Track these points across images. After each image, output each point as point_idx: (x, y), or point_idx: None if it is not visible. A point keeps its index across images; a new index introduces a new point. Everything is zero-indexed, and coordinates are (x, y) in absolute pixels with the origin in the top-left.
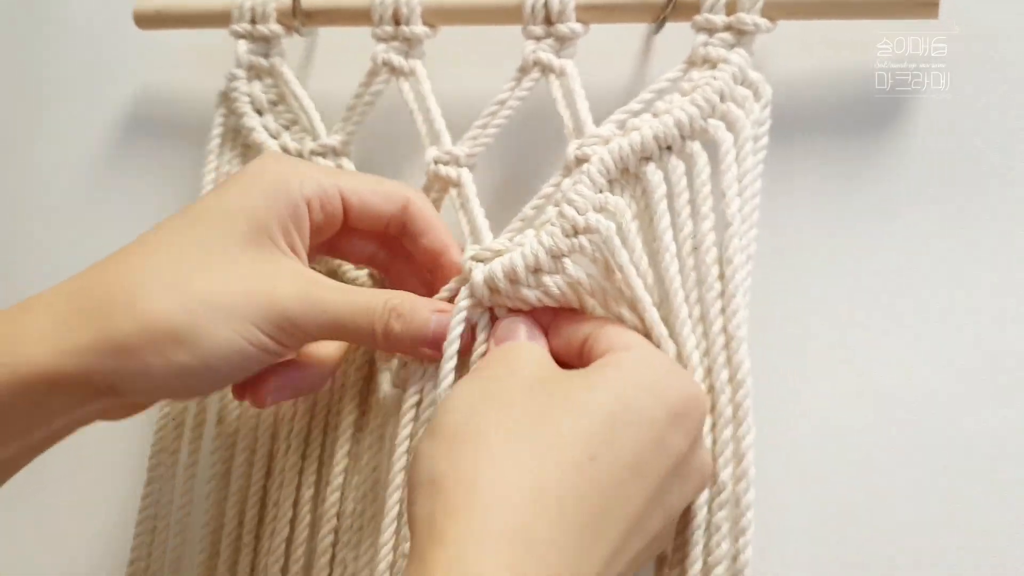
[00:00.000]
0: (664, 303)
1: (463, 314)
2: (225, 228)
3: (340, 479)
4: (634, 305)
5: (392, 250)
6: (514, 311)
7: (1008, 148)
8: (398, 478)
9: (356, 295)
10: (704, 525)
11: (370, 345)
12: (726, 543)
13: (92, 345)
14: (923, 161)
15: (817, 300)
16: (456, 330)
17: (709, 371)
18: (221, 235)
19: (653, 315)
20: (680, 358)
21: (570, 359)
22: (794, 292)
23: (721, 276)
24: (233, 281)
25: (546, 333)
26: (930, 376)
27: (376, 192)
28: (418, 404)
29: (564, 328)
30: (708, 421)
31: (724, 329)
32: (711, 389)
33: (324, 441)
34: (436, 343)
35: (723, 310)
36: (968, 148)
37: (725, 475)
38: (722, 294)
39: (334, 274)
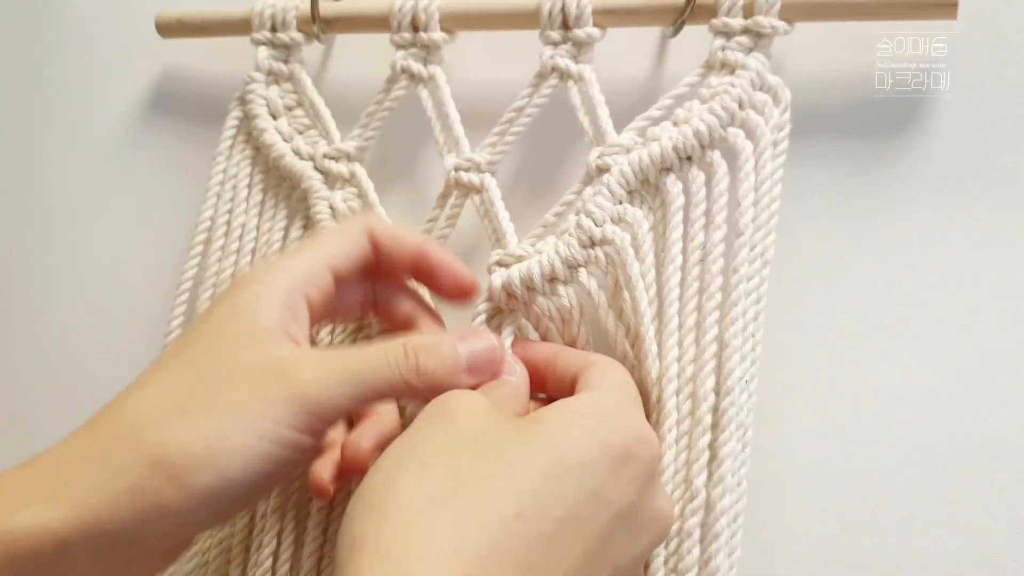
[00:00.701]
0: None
1: (482, 317)
2: (224, 345)
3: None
4: (634, 319)
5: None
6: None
7: (1009, 148)
8: None
9: (370, 351)
10: (675, 531)
11: (405, 395)
12: (696, 549)
13: (102, 493)
14: (923, 161)
15: (816, 301)
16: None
17: (693, 379)
18: (222, 353)
19: (648, 331)
20: (660, 367)
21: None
22: (793, 293)
23: (724, 285)
24: (242, 388)
25: (544, 369)
26: (933, 376)
27: (348, 249)
28: None
29: (560, 363)
30: (676, 431)
31: (719, 337)
32: (692, 396)
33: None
34: (475, 368)
35: (720, 319)
36: (968, 148)
37: (699, 481)
38: (722, 303)
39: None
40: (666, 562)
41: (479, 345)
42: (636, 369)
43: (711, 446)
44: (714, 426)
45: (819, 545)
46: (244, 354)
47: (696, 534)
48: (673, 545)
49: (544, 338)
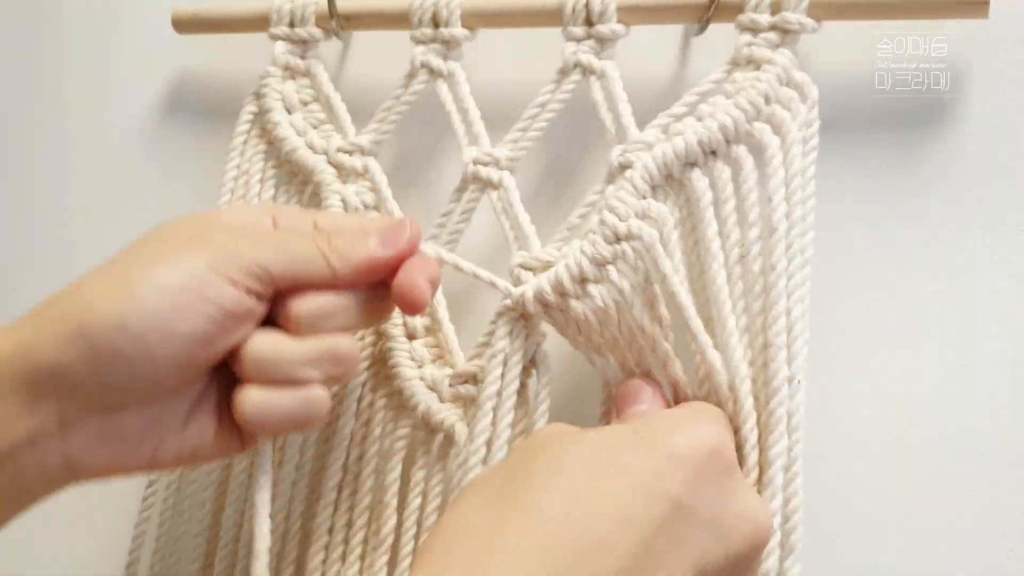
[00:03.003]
0: (709, 313)
1: (506, 328)
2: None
3: (333, 495)
4: (678, 314)
5: None
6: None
7: (1009, 148)
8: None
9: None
10: None
11: (326, 278)
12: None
13: (34, 339)
14: (923, 161)
15: (819, 301)
16: (499, 357)
17: (755, 381)
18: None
19: (697, 323)
20: (727, 368)
21: None
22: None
23: (765, 284)
24: (188, 260)
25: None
26: (953, 380)
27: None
28: (489, 442)
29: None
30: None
31: (764, 338)
32: (758, 398)
33: (316, 454)
34: (387, 240)
35: (763, 320)
36: (968, 148)
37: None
38: (764, 303)
39: None
40: None
41: (389, 227)
42: (701, 363)
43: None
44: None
45: (830, 549)
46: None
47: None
48: None
49: (576, 344)
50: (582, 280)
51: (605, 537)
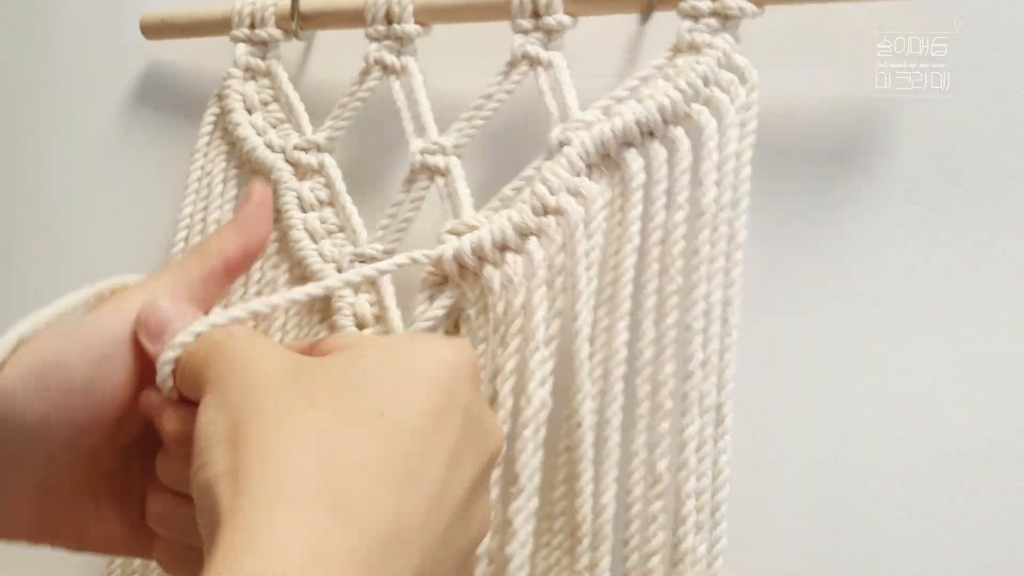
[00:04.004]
0: (610, 295)
1: (428, 291)
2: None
3: None
4: (573, 295)
5: None
6: None
7: (1009, 148)
8: None
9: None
10: (638, 514)
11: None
12: (662, 533)
13: None
14: (923, 162)
15: (814, 300)
16: (419, 322)
17: (652, 362)
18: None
19: (584, 310)
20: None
21: None
22: (788, 289)
23: (687, 267)
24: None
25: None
26: (929, 379)
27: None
28: None
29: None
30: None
31: (680, 321)
32: (652, 380)
33: None
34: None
35: (679, 303)
36: (968, 148)
37: (661, 466)
38: (681, 286)
39: None
40: (638, 547)
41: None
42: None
43: (671, 431)
44: (671, 411)
45: (810, 544)
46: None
47: (661, 518)
48: (636, 526)
49: (483, 313)
50: (503, 247)
51: (426, 430)
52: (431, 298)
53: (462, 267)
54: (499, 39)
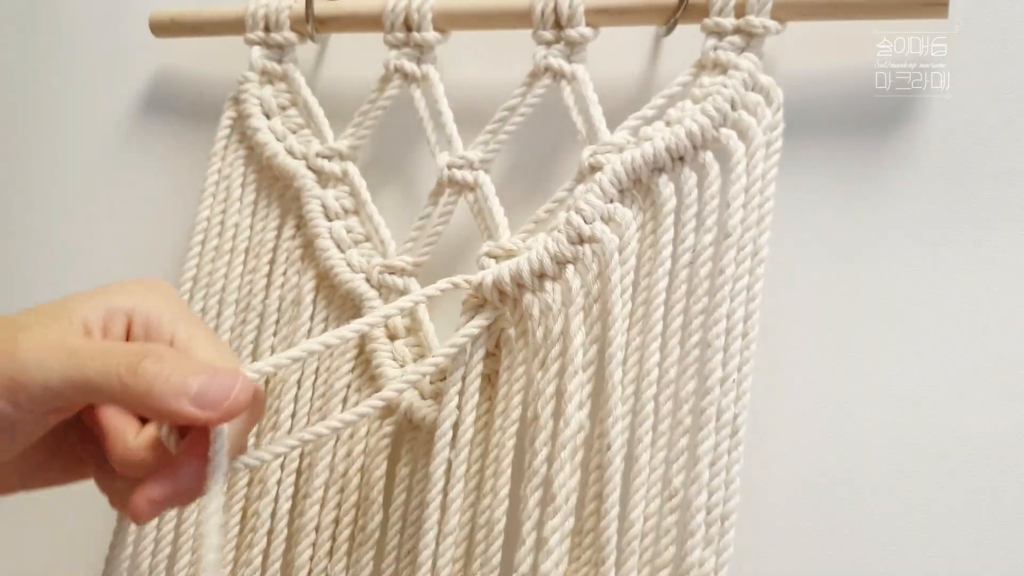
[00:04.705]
0: (642, 315)
1: (469, 313)
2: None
3: (320, 492)
4: (604, 320)
5: None
6: None
7: (1009, 149)
8: (436, 500)
9: (114, 343)
10: (652, 528)
11: (119, 396)
12: (673, 548)
13: None
14: (923, 161)
15: (816, 301)
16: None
17: (675, 380)
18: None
19: (617, 335)
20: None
21: None
22: (790, 294)
23: (712, 287)
24: None
25: None
26: (931, 376)
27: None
28: (456, 426)
29: None
30: (653, 433)
31: (703, 339)
32: (674, 398)
33: (303, 452)
34: (201, 398)
35: (704, 322)
36: (968, 148)
37: (677, 481)
38: (708, 305)
39: None
40: (650, 562)
41: (217, 380)
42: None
43: (690, 445)
44: (691, 427)
45: (819, 547)
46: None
47: (673, 532)
48: (649, 540)
49: (522, 337)
50: (541, 275)
51: None
52: (471, 316)
53: (501, 292)
54: (517, 44)
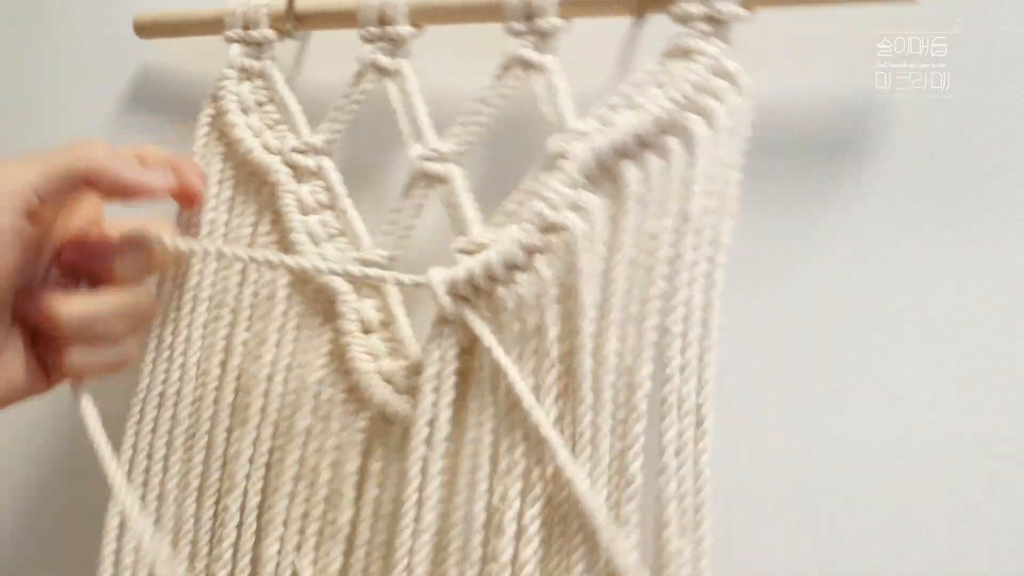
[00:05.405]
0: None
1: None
2: None
3: (289, 487)
4: (576, 310)
5: None
6: None
7: (1008, 149)
8: (412, 497)
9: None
10: (613, 518)
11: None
12: (635, 534)
13: None
14: (923, 162)
15: (812, 303)
16: (435, 340)
17: (630, 367)
18: None
19: (586, 322)
20: (598, 356)
21: None
22: (783, 291)
23: (671, 273)
24: None
25: None
26: (922, 379)
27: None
28: (431, 423)
29: None
30: (612, 420)
31: (659, 325)
32: (628, 384)
33: (273, 447)
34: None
35: (660, 308)
36: (968, 148)
37: (634, 468)
38: (664, 291)
39: None
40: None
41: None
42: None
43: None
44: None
45: (819, 551)
46: None
47: (634, 519)
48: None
49: (498, 333)
50: (512, 267)
51: None
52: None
53: (475, 287)
54: (490, 37)
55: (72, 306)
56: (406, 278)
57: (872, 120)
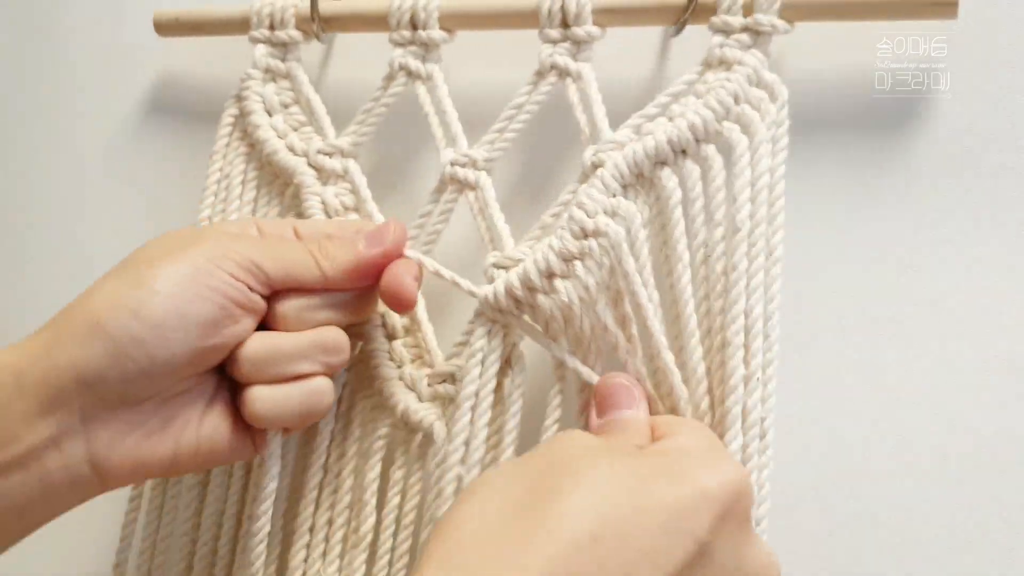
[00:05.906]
0: (675, 315)
1: (482, 341)
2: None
3: (314, 494)
4: (638, 313)
5: None
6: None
7: (1009, 149)
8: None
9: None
10: None
11: (317, 280)
12: None
13: (54, 340)
14: (923, 162)
15: (819, 302)
16: (477, 356)
17: (711, 380)
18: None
19: (654, 324)
20: (685, 368)
21: None
22: (797, 294)
23: (727, 283)
24: (190, 255)
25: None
26: (929, 377)
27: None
28: (468, 442)
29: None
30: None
31: (723, 337)
32: (710, 394)
33: (298, 455)
34: (372, 238)
35: (722, 320)
36: (968, 148)
37: None
38: (724, 303)
39: None
40: None
41: (372, 224)
42: (657, 363)
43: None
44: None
45: (827, 553)
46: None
47: None
48: None
49: (553, 339)
50: (549, 275)
51: (630, 570)
52: (489, 333)
53: (516, 300)
54: (523, 44)
55: (252, 341)
56: (464, 283)
57: (873, 120)
